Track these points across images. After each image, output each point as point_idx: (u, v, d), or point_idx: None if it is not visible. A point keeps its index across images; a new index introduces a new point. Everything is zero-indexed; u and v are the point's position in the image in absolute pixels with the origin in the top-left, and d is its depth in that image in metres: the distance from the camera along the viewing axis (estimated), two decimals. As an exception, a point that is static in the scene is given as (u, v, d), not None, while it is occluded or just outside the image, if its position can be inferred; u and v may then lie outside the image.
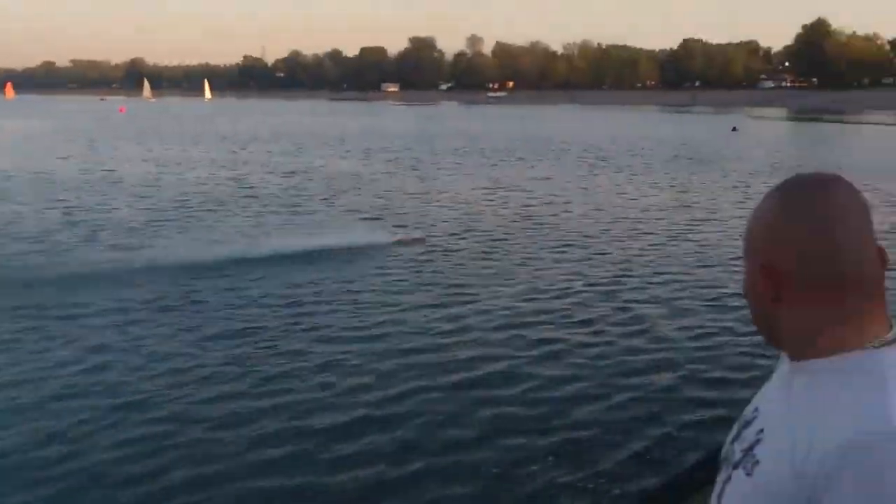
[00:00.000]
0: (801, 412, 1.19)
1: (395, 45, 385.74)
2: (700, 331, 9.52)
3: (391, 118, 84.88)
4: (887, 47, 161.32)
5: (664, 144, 43.35)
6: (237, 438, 6.60)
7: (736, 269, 12.14)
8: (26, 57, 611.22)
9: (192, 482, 5.89)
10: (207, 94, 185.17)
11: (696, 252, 14.34)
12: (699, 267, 13.15)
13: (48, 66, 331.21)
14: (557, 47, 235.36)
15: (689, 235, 16.01)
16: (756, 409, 1.35)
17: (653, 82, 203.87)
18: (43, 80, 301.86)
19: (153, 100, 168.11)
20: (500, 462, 6.17)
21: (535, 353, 8.76)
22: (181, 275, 12.01)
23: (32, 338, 9.09)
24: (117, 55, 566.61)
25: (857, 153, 38.12)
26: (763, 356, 7.99)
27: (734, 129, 55.73)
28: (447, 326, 9.73)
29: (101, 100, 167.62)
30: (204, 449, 6.41)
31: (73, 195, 20.84)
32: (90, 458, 6.22)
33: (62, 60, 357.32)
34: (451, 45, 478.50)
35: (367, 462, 6.21)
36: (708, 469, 5.86)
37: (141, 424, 6.83)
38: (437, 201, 20.68)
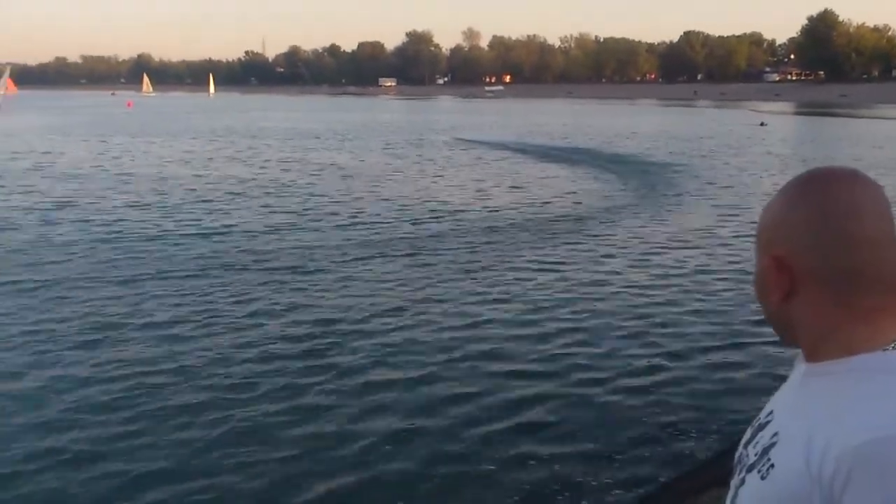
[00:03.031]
0: (816, 414, 1.14)
1: (393, 39, 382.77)
2: (715, 331, 9.16)
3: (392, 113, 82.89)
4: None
5: (702, 141, 41.11)
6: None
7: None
8: (39, 52, 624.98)
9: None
10: (212, 89, 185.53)
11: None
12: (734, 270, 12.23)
13: (60, 62, 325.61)
14: (554, 40, 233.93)
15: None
16: (771, 412, 1.29)
17: (652, 75, 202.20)
18: (54, 76, 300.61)
19: (153, 94, 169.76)
20: (501, 461, 6.04)
21: (535, 352, 8.52)
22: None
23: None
24: (125, 50, 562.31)
25: (889, 149, 35.95)
26: (777, 357, 7.79)
27: (762, 123, 53.22)
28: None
29: (112, 94, 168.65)
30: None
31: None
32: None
33: (73, 56, 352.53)
34: (448, 38, 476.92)
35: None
36: (713, 472, 5.16)
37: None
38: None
